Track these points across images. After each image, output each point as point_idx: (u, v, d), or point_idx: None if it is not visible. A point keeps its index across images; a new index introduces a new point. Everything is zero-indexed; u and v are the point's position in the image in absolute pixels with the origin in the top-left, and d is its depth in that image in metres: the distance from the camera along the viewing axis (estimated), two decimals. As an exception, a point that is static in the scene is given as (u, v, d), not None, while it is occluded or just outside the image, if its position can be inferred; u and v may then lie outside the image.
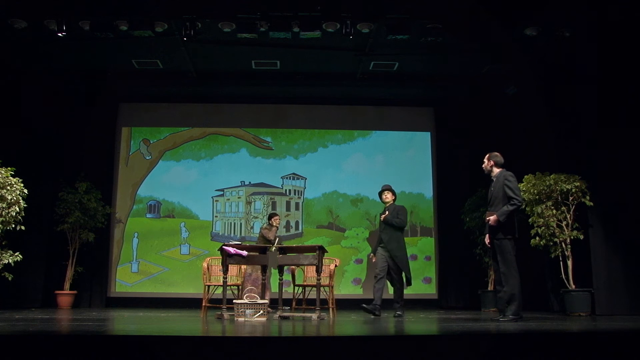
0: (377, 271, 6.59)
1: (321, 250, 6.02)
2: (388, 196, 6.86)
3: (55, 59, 8.47)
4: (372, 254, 6.89)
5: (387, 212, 6.73)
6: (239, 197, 9.94)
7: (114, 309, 8.67)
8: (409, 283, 6.61)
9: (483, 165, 5.92)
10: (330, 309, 6.90)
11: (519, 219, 5.80)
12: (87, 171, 9.23)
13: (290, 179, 10.03)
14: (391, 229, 6.66)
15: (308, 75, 9.28)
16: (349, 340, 3.74)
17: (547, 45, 7.42)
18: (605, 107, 7.27)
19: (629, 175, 7.10)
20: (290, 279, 7.40)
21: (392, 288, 6.76)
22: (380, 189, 6.95)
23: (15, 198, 7.01)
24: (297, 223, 9.90)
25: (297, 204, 9.96)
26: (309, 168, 9.94)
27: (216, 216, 9.82)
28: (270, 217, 7.77)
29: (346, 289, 9.62)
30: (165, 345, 3.40)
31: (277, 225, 7.73)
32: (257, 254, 6.51)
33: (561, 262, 7.24)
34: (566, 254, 7.21)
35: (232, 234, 9.77)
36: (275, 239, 7.31)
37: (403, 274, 6.58)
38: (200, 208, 9.88)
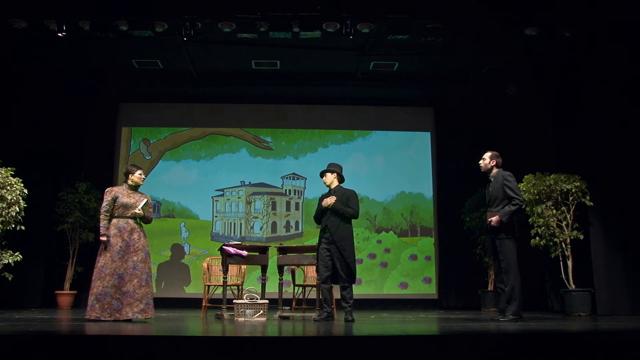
0: (321, 271, 5.75)
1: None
2: (328, 178, 5.88)
3: (55, 59, 8.46)
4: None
5: (334, 198, 5.76)
6: (239, 197, 9.93)
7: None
8: (353, 280, 5.77)
9: (482, 163, 5.86)
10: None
11: (519, 219, 5.81)
12: (87, 171, 9.21)
13: (290, 179, 10.02)
14: (338, 218, 5.74)
15: (308, 75, 9.26)
16: (349, 340, 3.74)
17: (547, 45, 7.42)
18: (606, 106, 7.28)
19: (629, 175, 7.10)
20: (290, 279, 7.40)
21: (340, 287, 5.74)
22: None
23: (15, 198, 7.00)
24: (297, 223, 9.90)
25: (297, 204, 9.95)
26: (309, 168, 9.92)
27: (216, 216, 9.82)
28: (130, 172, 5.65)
29: (346, 289, 9.61)
30: (165, 345, 3.40)
31: (139, 182, 5.60)
32: (258, 254, 6.52)
33: (561, 262, 7.24)
34: (566, 254, 7.22)
35: (232, 234, 9.77)
36: (139, 201, 5.51)
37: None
38: (200, 208, 9.87)
